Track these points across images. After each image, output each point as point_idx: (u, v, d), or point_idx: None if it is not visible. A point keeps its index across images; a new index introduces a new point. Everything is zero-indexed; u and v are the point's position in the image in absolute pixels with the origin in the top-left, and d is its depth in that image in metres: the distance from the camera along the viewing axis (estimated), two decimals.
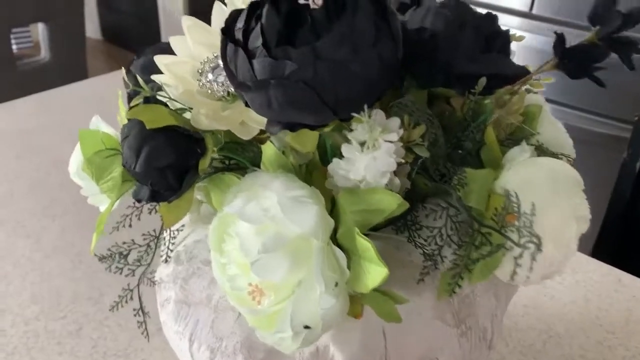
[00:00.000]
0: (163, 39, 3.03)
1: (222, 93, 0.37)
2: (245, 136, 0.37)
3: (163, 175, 0.35)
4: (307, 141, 0.37)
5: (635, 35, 0.36)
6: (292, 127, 0.32)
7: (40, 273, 0.70)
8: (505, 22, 1.74)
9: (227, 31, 0.32)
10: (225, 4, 0.42)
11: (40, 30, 2.05)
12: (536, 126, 0.44)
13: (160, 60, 0.38)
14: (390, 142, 0.34)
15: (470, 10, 0.44)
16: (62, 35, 2.06)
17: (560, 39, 0.34)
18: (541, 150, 0.41)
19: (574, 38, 0.35)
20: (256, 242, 0.33)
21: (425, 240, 0.39)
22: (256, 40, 0.30)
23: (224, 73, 0.37)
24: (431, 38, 0.41)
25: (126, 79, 0.43)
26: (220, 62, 0.37)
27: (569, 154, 0.47)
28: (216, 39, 0.39)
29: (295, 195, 0.34)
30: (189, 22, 0.38)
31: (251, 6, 0.32)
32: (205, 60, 0.38)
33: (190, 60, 0.39)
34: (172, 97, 0.38)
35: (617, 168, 1.27)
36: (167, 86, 0.38)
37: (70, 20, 2.06)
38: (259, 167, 0.43)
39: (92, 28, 3.49)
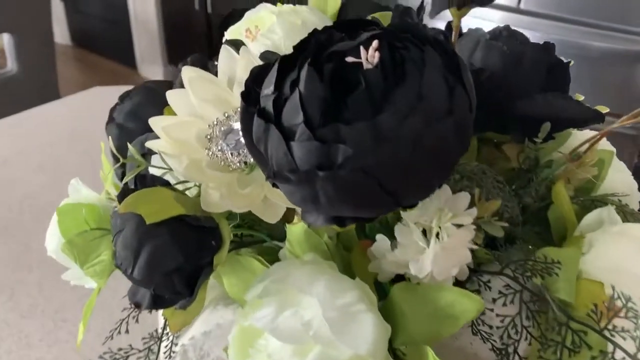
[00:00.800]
0: (135, 43, 2.91)
1: (237, 164, 0.29)
2: (271, 219, 0.29)
3: (168, 280, 0.27)
4: None
5: None
6: (342, 222, 0.24)
7: (17, 338, 0.61)
8: (491, 17, 1.67)
9: (250, 97, 0.24)
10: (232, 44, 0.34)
11: (5, 41, 1.93)
12: (606, 175, 0.37)
13: (156, 123, 0.30)
14: (462, 225, 0.27)
15: (525, 40, 0.37)
16: (30, 45, 1.94)
17: None
18: (621, 211, 0.34)
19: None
20: None
21: (491, 329, 0.32)
22: (294, 115, 0.22)
23: (239, 138, 0.29)
24: (488, 79, 0.33)
25: (111, 142, 0.34)
26: (234, 125, 0.29)
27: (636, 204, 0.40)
28: (225, 92, 0.31)
29: (344, 304, 0.26)
30: (191, 74, 0.30)
31: (282, 65, 0.24)
32: (215, 122, 0.30)
33: (194, 120, 0.31)
34: (172, 169, 0.30)
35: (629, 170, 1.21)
36: (167, 156, 0.30)
37: (38, 30, 1.95)
38: (278, 240, 0.36)
39: (61, 33, 3.34)
